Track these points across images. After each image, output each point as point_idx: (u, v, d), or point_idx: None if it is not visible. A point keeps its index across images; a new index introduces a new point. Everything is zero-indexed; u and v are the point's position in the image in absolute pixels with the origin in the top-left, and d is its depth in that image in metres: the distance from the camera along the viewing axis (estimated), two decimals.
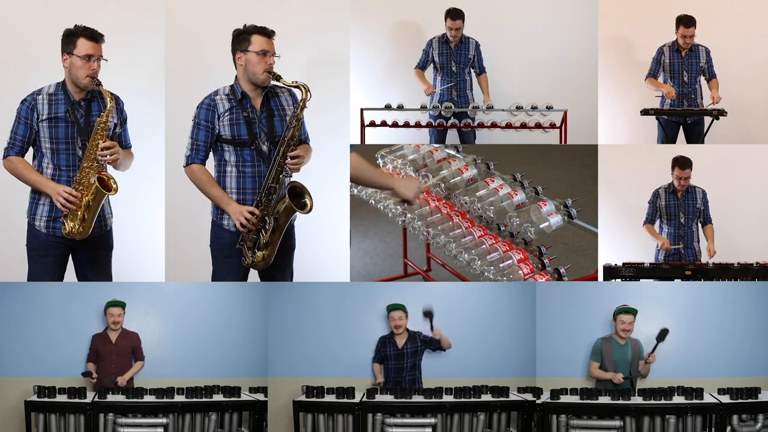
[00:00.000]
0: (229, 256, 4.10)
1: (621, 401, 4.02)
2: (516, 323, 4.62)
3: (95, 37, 4.00)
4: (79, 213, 4.02)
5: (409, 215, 4.66)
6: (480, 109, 5.81)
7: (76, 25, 4.01)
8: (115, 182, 4.06)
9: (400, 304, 4.52)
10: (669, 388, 4.10)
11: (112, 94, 4.06)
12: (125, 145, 4.22)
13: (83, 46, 3.97)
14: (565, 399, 4.10)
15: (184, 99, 4.28)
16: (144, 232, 5.02)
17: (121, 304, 4.49)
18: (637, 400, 4.03)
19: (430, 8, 6.17)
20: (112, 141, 4.06)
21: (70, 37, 3.99)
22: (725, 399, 4.06)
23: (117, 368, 4.43)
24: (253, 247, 4.05)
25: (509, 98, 5.91)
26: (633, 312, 4.48)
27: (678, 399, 4.05)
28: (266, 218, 4.01)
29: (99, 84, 4.01)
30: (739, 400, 4.04)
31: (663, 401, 4.01)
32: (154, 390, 4.16)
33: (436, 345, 4.53)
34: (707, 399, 4.07)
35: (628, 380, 4.44)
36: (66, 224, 4.04)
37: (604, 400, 4.06)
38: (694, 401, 4.03)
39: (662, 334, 4.42)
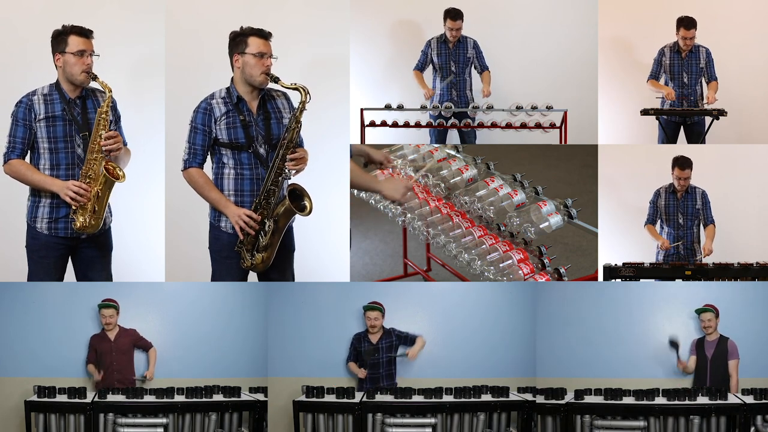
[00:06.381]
0: (228, 257, 4.10)
1: (645, 402, 3.99)
2: (516, 323, 4.62)
3: (85, 33, 4.04)
4: (89, 205, 4.03)
5: (409, 215, 4.65)
6: (480, 109, 5.81)
7: (64, 25, 4.04)
8: (121, 170, 4.07)
9: (377, 306, 4.52)
10: (693, 388, 4.07)
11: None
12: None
13: (75, 42, 4.00)
14: (589, 399, 4.09)
15: (184, 99, 4.27)
16: (144, 233, 5.02)
17: (113, 306, 4.49)
18: (661, 400, 4.01)
19: (429, 8, 6.16)
20: (114, 131, 4.07)
21: (60, 37, 4.02)
22: (749, 399, 4.04)
23: (119, 365, 4.44)
24: (252, 249, 4.05)
25: (509, 98, 5.90)
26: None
27: (702, 399, 4.02)
28: (265, 221, 4.01)
29: (95, 77, 4.02)
30: (763, 401, 4.01)
31: (687, 402, 3.98)
32: (154, 390, 4.16)
33: (411, 342, 4.56)
34: (731, 399, 4.05)
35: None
36: (77, 219, 4.03)
37: (628, 400, 4.03)
38: (719, 402, 3.99)
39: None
